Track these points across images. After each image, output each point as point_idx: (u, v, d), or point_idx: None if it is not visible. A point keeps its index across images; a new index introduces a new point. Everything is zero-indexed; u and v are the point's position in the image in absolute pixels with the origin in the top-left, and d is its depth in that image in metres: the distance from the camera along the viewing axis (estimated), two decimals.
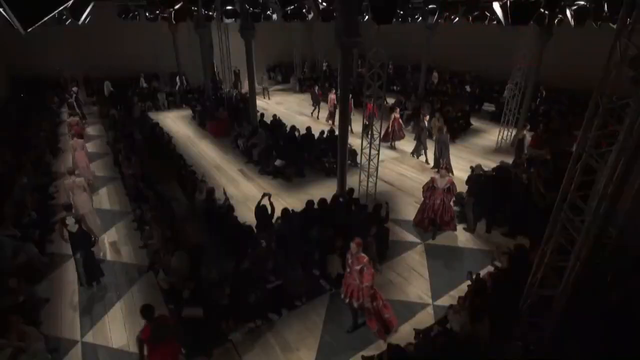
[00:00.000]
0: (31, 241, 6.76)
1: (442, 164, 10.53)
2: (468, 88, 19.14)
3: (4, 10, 2.20)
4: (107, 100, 16.77)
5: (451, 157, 11.42)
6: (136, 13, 15.00)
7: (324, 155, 10.66)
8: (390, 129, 12.57)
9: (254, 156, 11.20)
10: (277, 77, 23.91)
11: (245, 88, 19.29)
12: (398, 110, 12.79)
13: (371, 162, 8.47)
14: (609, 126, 3.78)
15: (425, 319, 5.72)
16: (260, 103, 17.78)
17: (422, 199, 7.94)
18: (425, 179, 10.18)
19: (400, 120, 12.90)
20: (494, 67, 18.74)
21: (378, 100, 8.17)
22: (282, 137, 11.30)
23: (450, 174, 9.87)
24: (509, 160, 10.33)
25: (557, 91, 16.80)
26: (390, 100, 16.88)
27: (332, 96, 14.95)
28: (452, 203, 7.76)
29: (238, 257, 5.67)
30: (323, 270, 6.32)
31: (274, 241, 6.51)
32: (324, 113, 16.08)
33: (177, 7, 8.90)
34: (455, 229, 7.78)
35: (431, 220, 7.73)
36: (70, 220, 6.06)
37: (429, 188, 7.61)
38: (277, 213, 6.94)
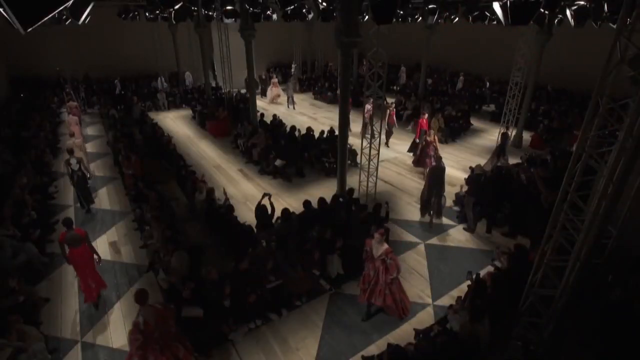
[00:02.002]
0: (31, 241, 6.76)
1: (432, 209, 8.02)
2: (429, 81, 20.03)
3: (4, 10, 2.19)
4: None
5: (450, 157, 11.46)
6: (136, 13, 15.01)
7: (324, 155, 10.67)
8: (421, 153, 10.39)
9: (254, 156, 11.21)
10: (277, 77, 23.97)
11: (270, 96, 19.05)
12: (432, 133, 10.28)
13: (371, 162, 8.47)
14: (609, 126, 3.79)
15: (425, 319, 5.72)
16: (283, 110, 17.27)
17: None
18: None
19: (435, 144, 10.18)
20: (494, 67, 18.78)
21: (378, 100, 8.18)
22: (282, 137, 11.30)
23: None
24: (510, 160, 10.33)
25: (557, 91, 16.83)
26: (390, 100, 16.93)
27: (368, 106, 12.57)
28: (395, 283, 5.51)
29: (238, 257, 5.66)
30: (323, 270, 6.32)
31: (274, 241, 6.52)
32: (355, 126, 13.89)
33: (177, 7, 8.90)
34: (402, 316, 5.63)
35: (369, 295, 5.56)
36: (73, 161, 8.23)
37: (366, 253, 5.56)
38: (277, 213, 6.94)
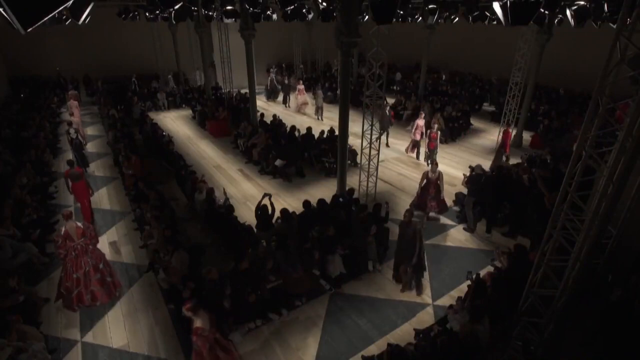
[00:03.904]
0: (31, 241, 6.76)
1: (408, 277, 6.17)
2: (398, 76, 21.23)
3: (4, 10, 2.19)
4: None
5: (450, 157, 11.46)
6: (136, 13, 15.00)
7: (324, 155, 10.67)
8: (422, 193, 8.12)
9: (254, 156, 11.21)
10: (277, 78, 24.00)
11: (295, 104, 17.26)
12: (436, 169, 7.96)
13: (371, 162, 8.47)
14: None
15: (425, 319, 5.72)
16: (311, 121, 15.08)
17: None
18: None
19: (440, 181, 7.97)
20: (494, 67, 18.78)
21: (378, 100, 8.17)
22: (282, 137, 11.30)
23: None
24: (510, 160, 10.31)
25: (557, 91, 16.83)
26: (391, 100, 16.93)
27: (419, 122, 11.33)
28: None
29: (238, 257, 5.66)
30: (323, 270, 6.32)
31: (274, 241, 6.52)
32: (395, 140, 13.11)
33: (177, 7, 8.90)
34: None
35: None
36: (71, 130, 10.48)
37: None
38: (277, 213, 6.94)
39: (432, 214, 8.25)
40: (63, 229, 5.74)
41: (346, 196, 7.66)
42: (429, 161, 10.49)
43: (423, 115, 11.86)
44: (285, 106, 18.13)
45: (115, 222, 8.30)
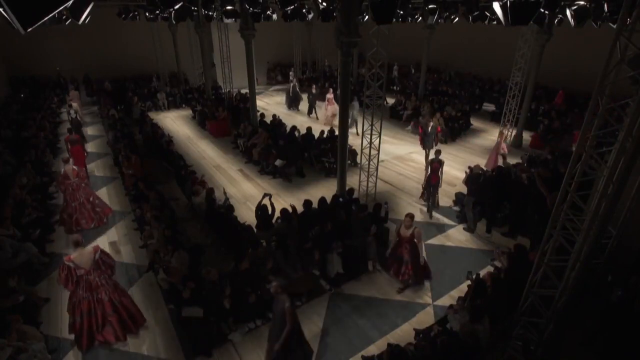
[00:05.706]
0: (31, 241, 6.76)
1: None
2: (395, 71, 22.10)
3: (4, 10, 2.19)
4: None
5: (450, 157, 11.44)
6: (136, 13, 15.01)
7: (323, 155, 10.67)
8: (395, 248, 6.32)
9: (254, 156, 11.21)
10: (278, 77, 24.02)
11: (324, 115, 15.34)
12: (411, 224, 6.07)
13: (371, 162, 8.47)
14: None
15: (425, 319, 5.72)
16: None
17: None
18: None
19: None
20: (494, 67, 18.78)
21: (378, 100, 8.17)
22: (282, 137, 11.29)
23: None
24: (510, 160, 10.31)
25: (556, 91, 16.83)
26: (391, 100, 16.92)
27: (501, 139, 9.72)
28: None
29: (238, 257, 5.66)
30: (323, 270, 6.32)
31: (274, 241, 6.52)
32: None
33: (177, 7, 8.90)
34: None
35: None
36: (72, 111, 12.52)
37: None
38: (278, 213, 6.94)
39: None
40: (62, 170, 7.71)
41: (346, 196, 7.66)
42: (429, 203, 8.40)
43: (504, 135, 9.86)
44: (309, 116, 16.51)
45: (115, 222, 8.29)
